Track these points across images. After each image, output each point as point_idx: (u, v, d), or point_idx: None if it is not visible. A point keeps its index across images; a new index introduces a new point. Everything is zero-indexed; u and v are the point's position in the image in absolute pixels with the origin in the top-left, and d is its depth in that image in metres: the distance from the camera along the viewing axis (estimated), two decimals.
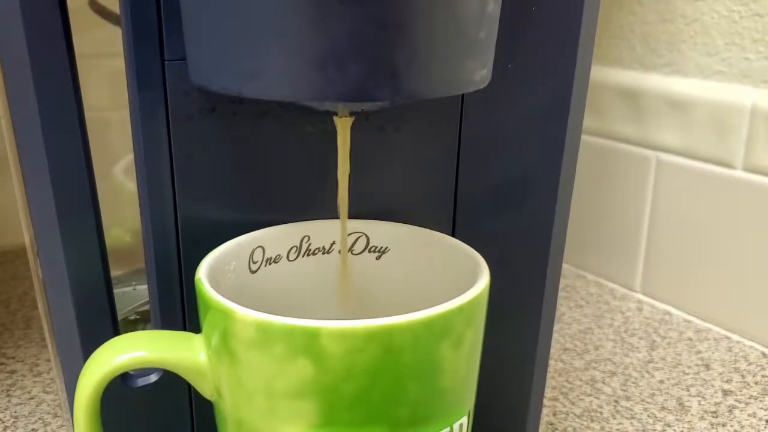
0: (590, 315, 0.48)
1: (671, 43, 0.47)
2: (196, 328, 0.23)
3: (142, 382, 0.25)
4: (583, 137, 0.51)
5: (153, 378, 0.25)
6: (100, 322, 0.24)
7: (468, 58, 0.20)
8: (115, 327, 0.25)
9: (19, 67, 0.21)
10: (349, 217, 0.26)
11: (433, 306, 0.20)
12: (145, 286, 0.25)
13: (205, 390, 0.22)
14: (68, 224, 0.23)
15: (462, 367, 0.21)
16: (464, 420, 0.22)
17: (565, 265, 0.54)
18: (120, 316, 0.25)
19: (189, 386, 0.26)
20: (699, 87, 0.45)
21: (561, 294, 0.50)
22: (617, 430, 0.35)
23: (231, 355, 0.20)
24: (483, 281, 0.22)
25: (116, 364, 0.21)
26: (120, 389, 0.25)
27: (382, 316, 0.19)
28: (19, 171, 0.25)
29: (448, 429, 0.21)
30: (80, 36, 0.22)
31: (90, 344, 0.24)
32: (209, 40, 0.19)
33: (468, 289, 0.21)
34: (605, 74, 0.50)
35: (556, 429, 0.35)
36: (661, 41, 0.47)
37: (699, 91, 0.45)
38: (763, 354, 0.43)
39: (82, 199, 0.23)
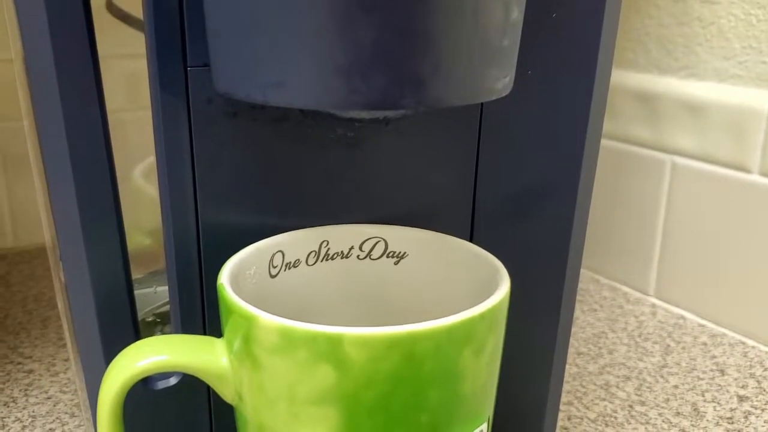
0: (604, 319, 0.48)
1: (687, 47, 0.46)
2: (216, 332, 0.23)
3: (162, 384, 0.26)
4: None
5: (173, 381, 0.26)
6: (121, 325, 0.25)
7: (491, 66, 0.20)
8: (136, 330, 0.25)
9: (43, 69, 0.21)
10: (368, 222, 0.26)
11: (451, 312, 0.20)
12: (165, 288, 0.25)
13: (227, 394, 0.22)
14: (91, 227, 0.23)
15: (483, 374, 0.21)
16: (484, 427, 0.22)
17: None
18: (138, 317, 0.26)
19: (208, 389, 0.26)
20: (715, 90, 0.45)
21: None
22: None
23: (253, 360, 0.20)
24: (504, 287, 0.22)
25: (139, 368, 0.21)
26: (140, 391, 0.25)
27: (400, 322, 0.19)
28: (41, 172, 0.25)
29: None
30: (100, 37, 0.22)
31: (111, 346, 0.24)
32: (234, 49, 0.19)
33: (487, 295, 0.21)
34: (621, 77, 0.50)
35: None
36: (678, 44, 0.47)
37: (715, 95, 0.45)
38: None
39: (104, 201, 0.23)
